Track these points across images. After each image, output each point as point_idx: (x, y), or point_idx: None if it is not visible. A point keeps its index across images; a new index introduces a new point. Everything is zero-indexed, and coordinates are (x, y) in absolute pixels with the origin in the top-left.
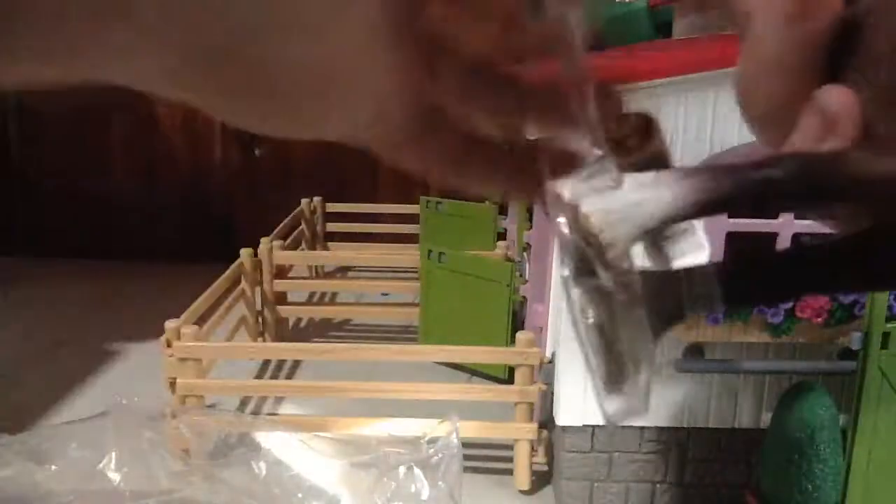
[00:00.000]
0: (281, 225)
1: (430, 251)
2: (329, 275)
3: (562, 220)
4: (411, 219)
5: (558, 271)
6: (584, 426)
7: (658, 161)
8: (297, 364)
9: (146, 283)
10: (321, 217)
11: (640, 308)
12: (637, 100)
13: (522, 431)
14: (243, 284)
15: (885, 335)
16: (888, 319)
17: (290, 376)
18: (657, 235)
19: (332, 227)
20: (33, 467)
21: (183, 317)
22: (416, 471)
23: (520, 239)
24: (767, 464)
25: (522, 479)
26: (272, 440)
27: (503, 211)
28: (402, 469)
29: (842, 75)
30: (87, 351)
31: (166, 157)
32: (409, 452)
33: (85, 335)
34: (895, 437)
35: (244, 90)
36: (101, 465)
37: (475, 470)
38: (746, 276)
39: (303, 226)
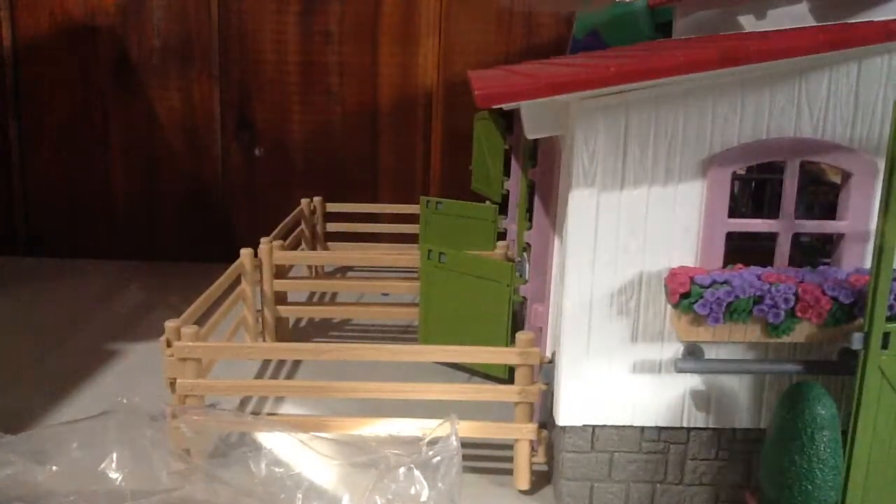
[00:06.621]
0: (281, 225)
1: (430, 251)
2: (329, 275)
3: None
4: (411, 219)
5: (558, 271)
6: (584, 426)
7: None
8: (297, 364)
9: (146, 283)
10: (321, 217)
11: None
12: (638, 100)
13: (522, 431)
14: (243, 284)
15: (886, 335)
16: (888, 319)
17: (290, 376)
18: None
19: (332, 227)
20: (34, 467)
21: (183, 317)
22: (416, 472)
23: (520, 239)
24: (767, 464)
25: (522, 479)
26: (272, 440)
27: (503, 211)
28: (401, 470)
29: None
30: (87, 351)
31: (166, 157)
32: (408, 453)
33: (85, 335)
34: (895, 437)
35: None
36: (102, 465)
37: (475, 470)
38: None
39: (303, 226)
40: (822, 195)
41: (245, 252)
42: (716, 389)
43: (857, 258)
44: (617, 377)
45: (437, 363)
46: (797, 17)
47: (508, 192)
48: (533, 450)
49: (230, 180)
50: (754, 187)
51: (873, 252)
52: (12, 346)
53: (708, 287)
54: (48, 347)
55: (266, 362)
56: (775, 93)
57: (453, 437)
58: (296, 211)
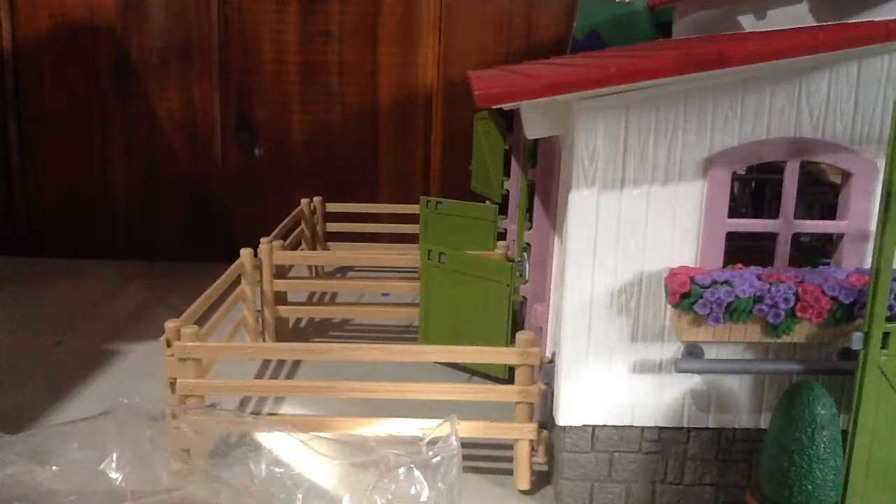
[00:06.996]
0: (281, 225)
1: (429, 251)
2: (329, 275)
3: None
4: (411, 219)
5: (558, 271)
6: (584, 426)
7: None
8: (297, 364)
9: (146, 283)
10: (321, 217)
11: None
12: (638, 100)
13: (522, 431)
14: (243, 284)
15: (885, 335)
16: (888, 319)
17: (290, 376)
18: None
19: (332, 227)
20: (35, 467)
21: (183, 317)
22: (416, 472)
23: (520, 239)
24: (767, 464)
25: (522, 479)
26: (272, 440)
27: (503, 211)
28: (401, 470)
29: None
30: (87, 351)
31: (166, 158)
32: (408, 453)
33: (85, 335)
34: (895, 437)
35: None
36: (102, 465)
37: (475, 470)
38: None
39: (303, 226)
40: (822, 195)
41: (245, 252)
42: (716, 389)
43: (857, 258)
44: (617, 377)
45: (437, 363)
46: (797, 17)
47: (508, 192)
48: (533, 450)
49: (230, 180)
50: (754, 187)
51: (873, 252)
52: (12, 346)
53: (708, 287)
54: (48, 347)
55: (266, 362)
56: (775, 93)
57: (453, 437)
58: (296, 211)
